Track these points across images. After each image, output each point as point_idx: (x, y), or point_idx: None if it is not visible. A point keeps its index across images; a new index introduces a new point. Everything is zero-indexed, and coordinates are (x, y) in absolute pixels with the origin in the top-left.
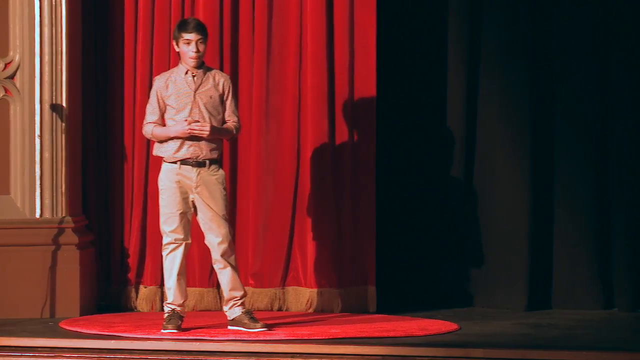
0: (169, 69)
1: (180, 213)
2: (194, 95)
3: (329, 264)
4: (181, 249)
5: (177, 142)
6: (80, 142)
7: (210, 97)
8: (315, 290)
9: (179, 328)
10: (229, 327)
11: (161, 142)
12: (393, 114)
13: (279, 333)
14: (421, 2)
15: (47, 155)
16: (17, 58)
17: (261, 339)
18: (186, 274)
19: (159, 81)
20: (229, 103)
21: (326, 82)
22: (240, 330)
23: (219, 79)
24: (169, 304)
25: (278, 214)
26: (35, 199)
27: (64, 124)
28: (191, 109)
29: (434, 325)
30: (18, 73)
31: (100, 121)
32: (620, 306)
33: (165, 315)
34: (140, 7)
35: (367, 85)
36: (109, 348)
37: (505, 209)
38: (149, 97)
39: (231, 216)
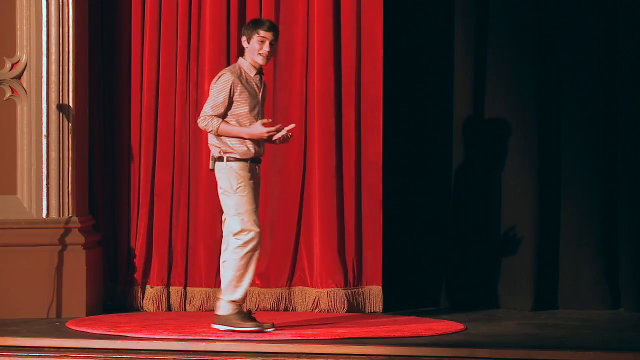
0: (175, 69)
1: (257, 208)
2: (260, 95)
3: (335, 263)
4: (257, 248)
5: (246, 140)
6: (87, 142)
7: (263, 97)
8: (321, 290)
9: (262, 326)
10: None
11: (218, 136)
12: (399, 113)
13: (285, 333)
14: (428, 1)
15: (53, 155)
16: (24, 58)
17: (267, 338)
18: None
19: (233, 76)
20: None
21: (332, 82)
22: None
23: (265, 84)
24: (234, 301)
25: (284, 214)
26: (41, 199)
27: (70, 124)
28: (258, 109)
29: (439, 325)
30: (25, 73)
31: (107, 121)
32: (627, 306)
33: (235, 312)
34: (147, 7)
35: (373, 85)
36: (115, 348)
37: (511, 209)
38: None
39: None
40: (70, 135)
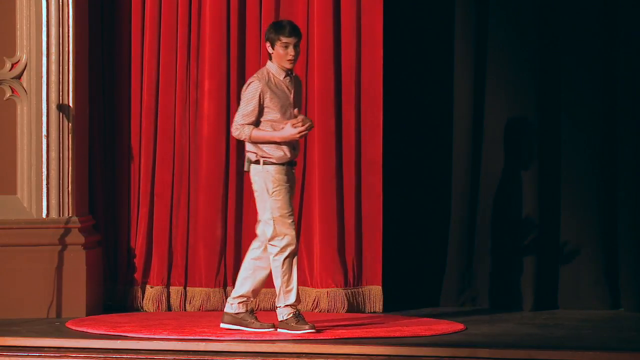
0: (175, 69)
1: (292, 212)
2: (292, 96)
3: (335, 263)
4: (296, 251)
5: (283, 144)
6: (87, 142)
7: (298, 97)
8: (321, 290)
9: (313, 326)
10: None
11: (254, 143)
12: (399, 113)
13: (285, 333)
14: (428, 1)
15: (53, 155)
16: (24, 58)
17: (267, 338)
18: None
19: (261, 83)
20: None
21: (332, 82)
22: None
23: (297, 80)
24: (289, 305)
25: None
26: (41, 199)
27: (70, 124)
28: (290, 111)
29: (440, 325)
30: (25, 73)
31: (107, 121)
32: (626, 306)
33: (288, 317)
34: (147, 7)
35: (373, 85)
36: (115, 348)
37: (511, 208)
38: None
39: (239, 216)
40: (70, 135)
